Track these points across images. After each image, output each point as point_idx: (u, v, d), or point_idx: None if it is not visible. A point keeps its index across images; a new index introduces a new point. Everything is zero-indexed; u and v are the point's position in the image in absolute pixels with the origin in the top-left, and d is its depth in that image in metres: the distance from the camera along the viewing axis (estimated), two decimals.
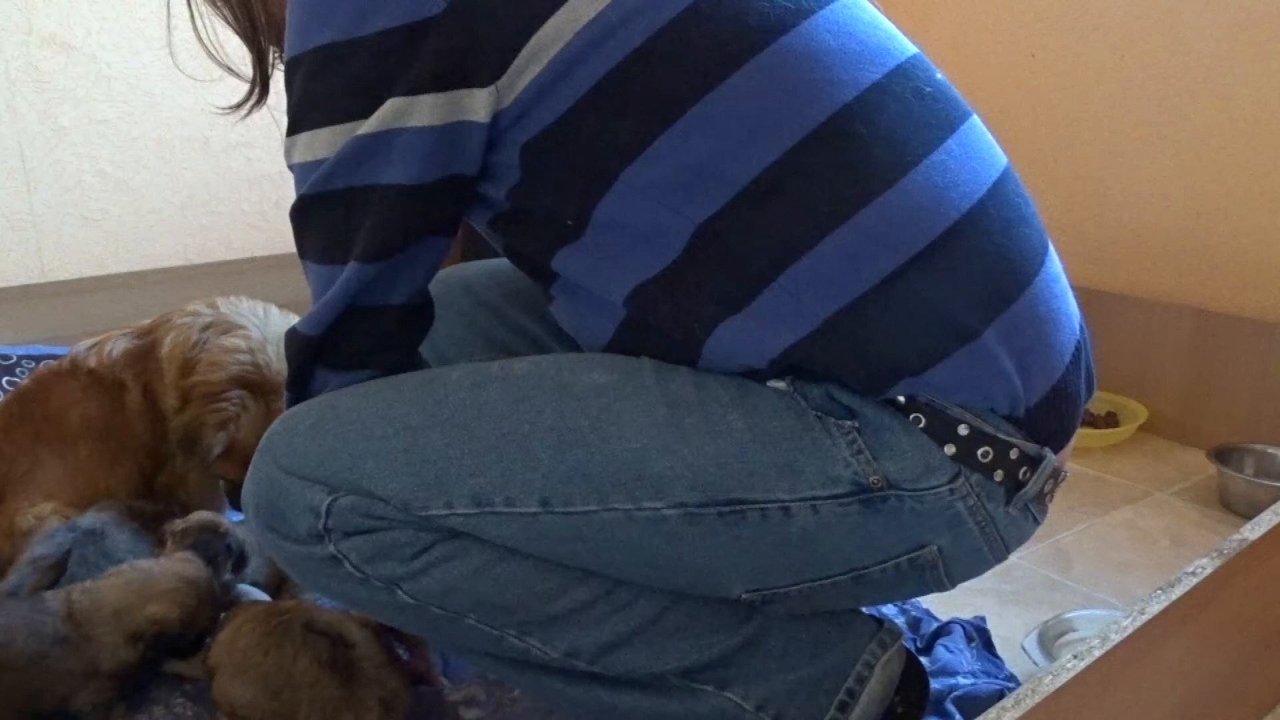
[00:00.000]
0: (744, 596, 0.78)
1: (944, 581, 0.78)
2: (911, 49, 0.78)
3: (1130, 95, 1.84)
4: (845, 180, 0.70)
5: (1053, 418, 0.76)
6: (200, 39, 0.88)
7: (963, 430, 0.71)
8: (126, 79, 1.85)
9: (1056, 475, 0.77)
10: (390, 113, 0.71)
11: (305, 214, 0.77)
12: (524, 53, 0.70)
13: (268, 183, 2.05)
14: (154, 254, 1.96)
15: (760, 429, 0.72)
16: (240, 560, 1.10)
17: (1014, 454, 0.73)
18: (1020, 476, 0.74)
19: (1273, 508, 1.02)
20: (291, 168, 0.77)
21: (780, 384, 0.73)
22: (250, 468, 0.80)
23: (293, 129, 0.76)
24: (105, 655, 0.96)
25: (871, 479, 0.71)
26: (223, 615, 1.01)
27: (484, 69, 0.70)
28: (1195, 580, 0.86)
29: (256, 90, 0.89)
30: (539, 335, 1.04)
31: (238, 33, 0.87)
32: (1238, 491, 1.58)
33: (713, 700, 0.81)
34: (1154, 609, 0.82)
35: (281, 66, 0.88)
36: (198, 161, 1.96)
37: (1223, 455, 1.63)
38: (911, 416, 0.71)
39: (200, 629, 1.00)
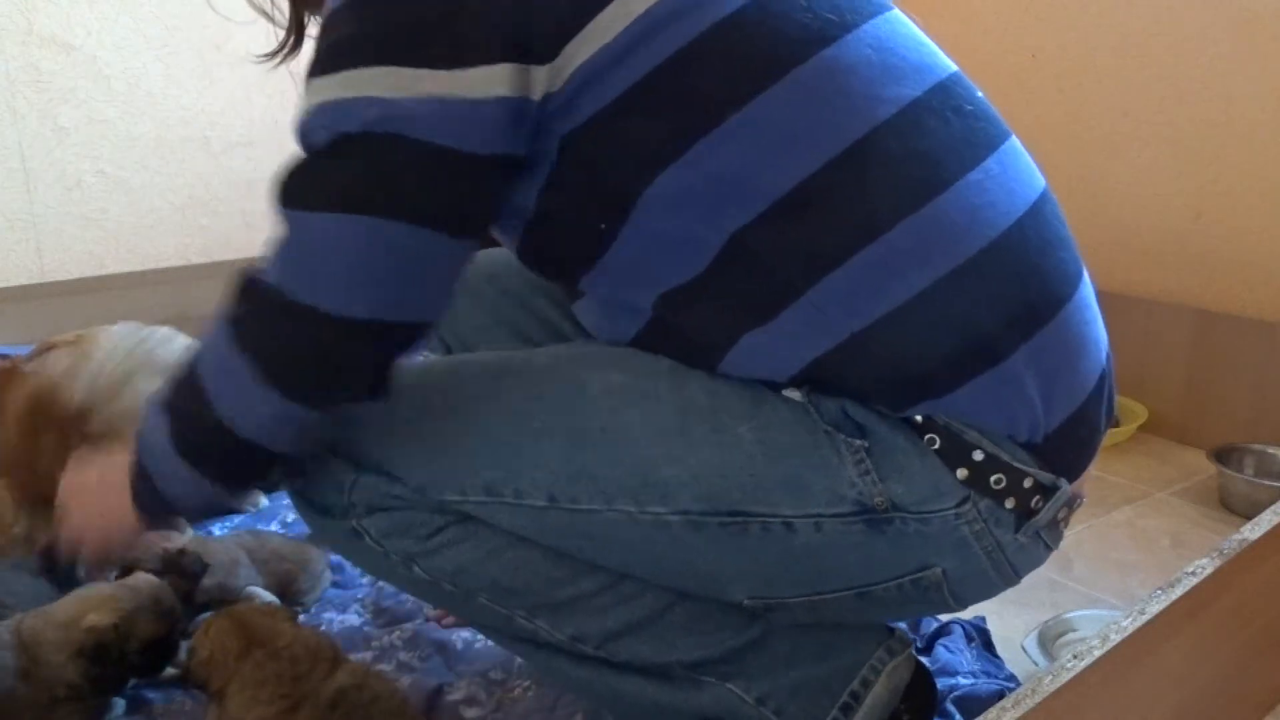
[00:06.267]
0: (746, 603, 0.79)
1: (950, 603, 0.78)
2: (951, 67, 0.77)
3: (1130, 95, 1.84)
4: (880, 196, 0.70)
5: (1071, 445, 0.75)
6: None
7: (977, 456, 0.71)
8: (126, 79, 1.85)
9: (1071, 503, 0.76)
10: (462, 79, 0.67)
11: (341, 153, 0.68)
12: (577, 39, 0.68)
13: (268, 183, 2.05)
14: (154, 254, 1.96)
15: (769, 443, 0.72)
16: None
17: (1028, 483, 0.72)
18: (1032, 505, 0.73)
19: (1273, 508, 1.02)
20: (322, 106, 0.68)
21: (796, 394, 0.72)
22: None
23: (331, 66, 0.68)
24: (55, 678, 0.91)
25: (876, 500, 0.71)
26: (204, 617, 0.99)
27: (543, 47, 0.68)
28: (1195, 580, 0.86)
29: (292, 38, 0.84)
30: (561, 325, 1.04)
31: None
32: (1238, 491, 1.58)
33: (715, 691, 0.82)
34: (1154, 609, 0.82)
35: (315, 20, 0.84)
36: (198, 161, 1.96)
37: (1223, 455, 1.63)
38: (926, 437, 0.71)
39: (149, 639, 0.95)
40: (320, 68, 0.68)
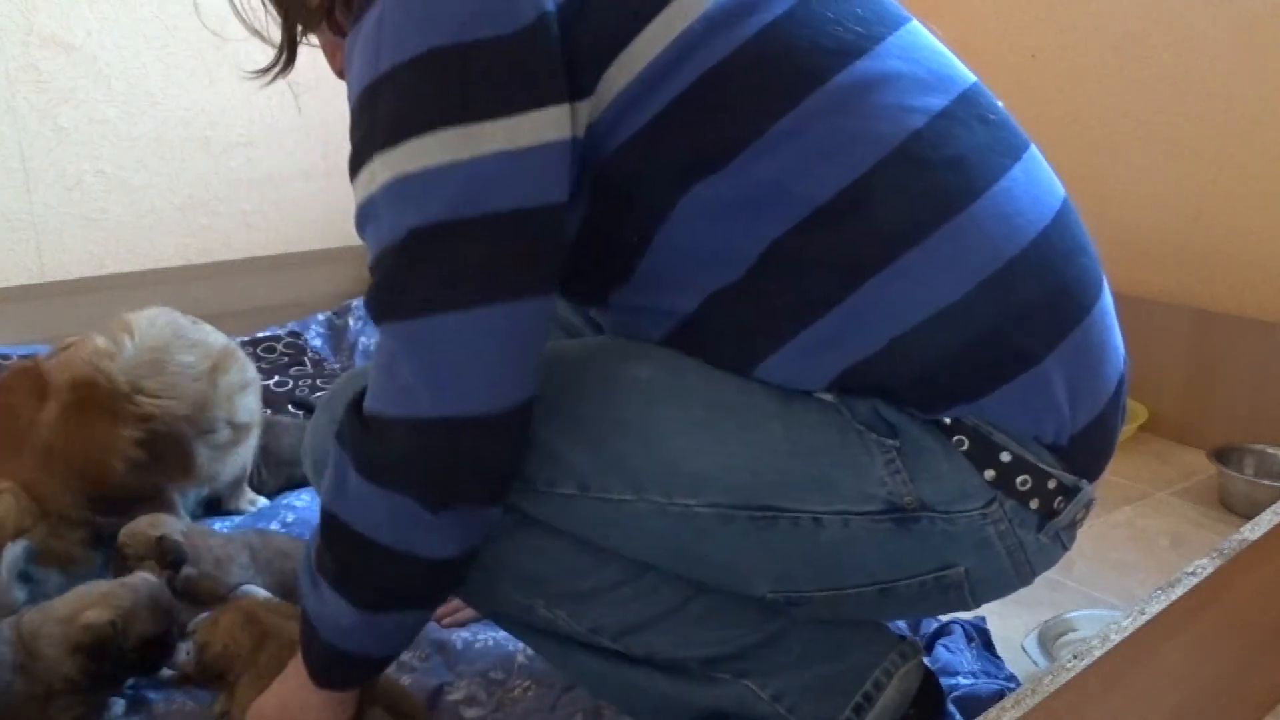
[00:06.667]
0: (769, 596, 0.79)
1: (968, 601, 0.78)
2: (972, 77, 0.78)
3: (1130, 95, 1.84)
4: (916, 205, 0.70)
5: (1091, 448, 0.76)
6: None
7: (1005, 457, 0.72)
8: (126, 79, 1.85)
9: (1089, 505, 0.78)
10: (525, 125, 0.66)
11: (435, 248, 0.66)
12: (615, 64, 0.69)
13: (268, 183, 2.05)
14: (154, 254, 1.96)
15: (799, 440, 0.72)
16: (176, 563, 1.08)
17: (1052, 484, 0.73)
18: (1055, 506, 0.74)
19: (1273, 508, 1.02)
20: (394, 186, 0.66)
21: (827, 395, 0.73)
22: (311, 421, 0.86)
23: (392, 137, 0.66)
24: (52, 673, 0.91)
25: (905, 499, 0.72)
26: (202, 617, 1.00)
27: (586, 81, 0.69)
28: (1195, 580, 0.86)
29: (284, 55, 0.83)
30: (572, 322, 1.04)
31: None
32: (1238, 491, 1.58)
33: (729, 687, 0.82)
34: (1154, 609, 0.82)
35: (309, 39, 0.83)
36: (198, 161, 1.96)
37: (1223, 455, 1.63)
38: (955, 438, 0.72)
39: (146, 636, 0.95)
40: (380, 141, 0.66)
